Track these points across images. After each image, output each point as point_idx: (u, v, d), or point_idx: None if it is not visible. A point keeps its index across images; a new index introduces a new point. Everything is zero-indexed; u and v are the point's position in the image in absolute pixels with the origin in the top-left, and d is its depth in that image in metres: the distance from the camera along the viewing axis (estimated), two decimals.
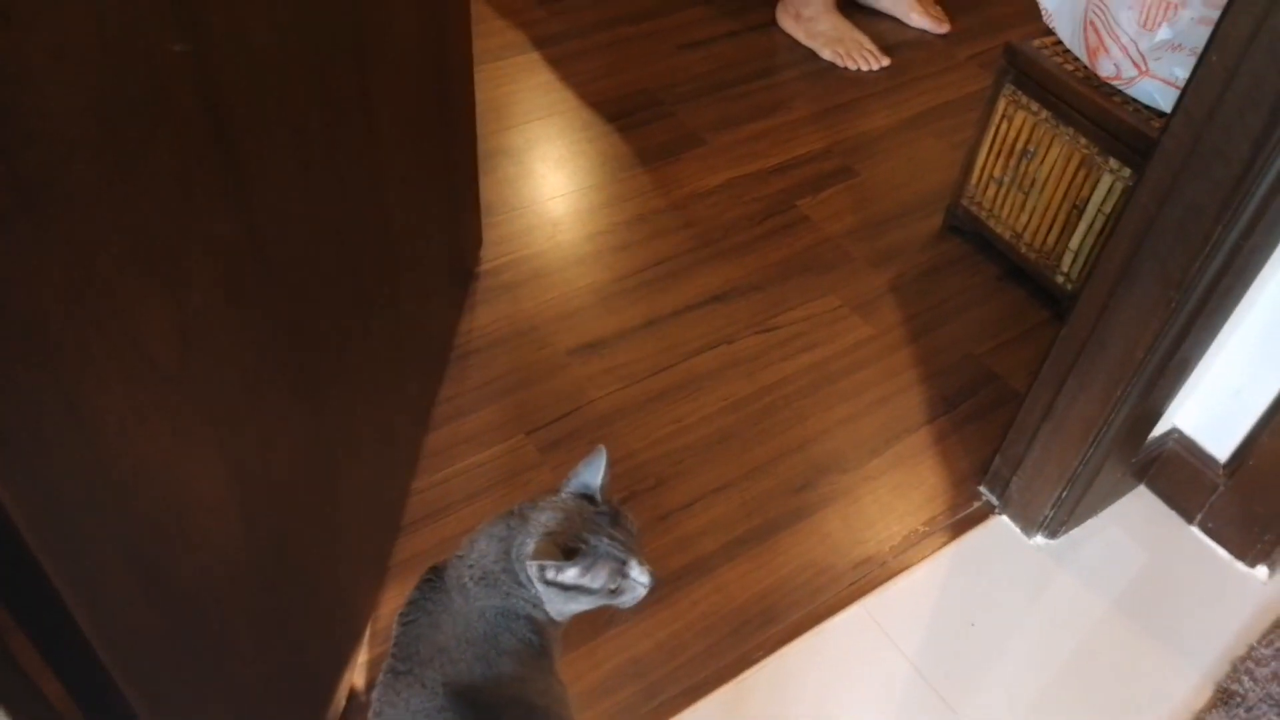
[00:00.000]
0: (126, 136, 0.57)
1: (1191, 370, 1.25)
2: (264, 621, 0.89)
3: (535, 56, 2.13)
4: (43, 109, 0.49)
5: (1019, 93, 1.64)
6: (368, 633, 1.23)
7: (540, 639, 0.91)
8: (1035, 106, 1.62)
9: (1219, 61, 0.99)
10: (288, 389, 0.89)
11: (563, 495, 0.93)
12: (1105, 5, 1.50)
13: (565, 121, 1.99)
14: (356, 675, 1.19)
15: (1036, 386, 1.32)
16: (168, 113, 0.61)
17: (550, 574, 0.86)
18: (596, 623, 1.27)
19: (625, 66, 2.13)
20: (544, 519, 0.89)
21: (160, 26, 0.59)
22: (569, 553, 0.86)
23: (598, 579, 0.87)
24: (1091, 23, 1.54)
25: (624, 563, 0.88)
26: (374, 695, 0.90)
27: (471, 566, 0.91)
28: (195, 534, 0.72)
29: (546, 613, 0.91)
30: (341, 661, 1.15)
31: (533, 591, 0.89)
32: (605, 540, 0.88)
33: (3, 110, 0.46)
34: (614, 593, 0.88)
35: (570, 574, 0.86)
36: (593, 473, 0.93)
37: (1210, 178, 1.02)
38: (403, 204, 1.24)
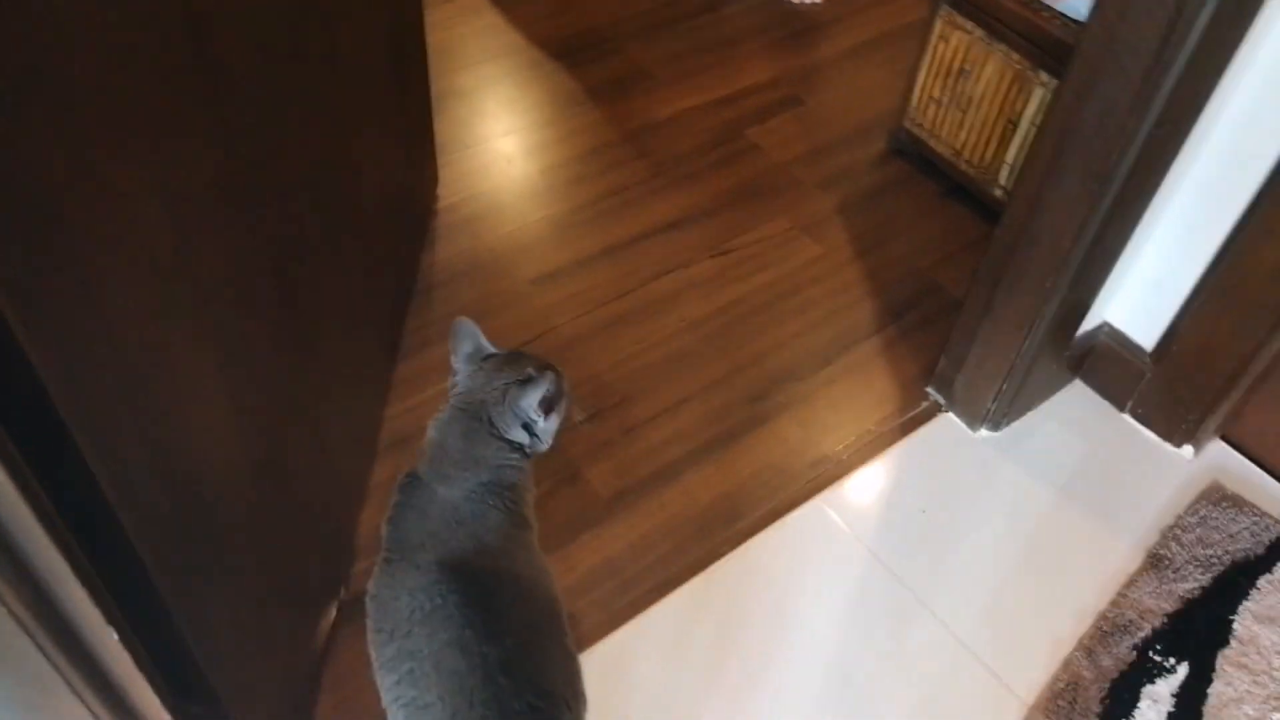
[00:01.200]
0: (117, 39, 0.62)
1: (1115, 261, 1.34)
2: (259, 519, 0.95)
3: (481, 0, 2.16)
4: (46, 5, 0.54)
5: (954, 14, 1.70)
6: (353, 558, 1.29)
7: (523, 507, 0.97)
8: (970, 26, 1.69)
9: None
10: (272, 300, 0.94)
11: (470, 369, 1.00)
12: None
13: (514, 61, 2.03)
14: (341, 592, 1.26)
15: (975, 286, 1.40)
16: (154, 23, 0.66)
17: (550, 388, 0.96)
18: (574, 526, 1.34)
19: (572, 6, 2.16)
20: (493, 382, 0.97)
21: None
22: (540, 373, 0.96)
23: (563, 383, 0.99)
24: None
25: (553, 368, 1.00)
26: (369, 584, 0.96)
27: (448, 457, 0.97)
28: (196, 421, 0.78)
29: (526, 472, 0.98)
30: (334, 575, 1.21)
31: (520, 443, 0.96)
32: (533, 364, 0.99)
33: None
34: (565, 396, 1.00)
35: (554, 384, 0.97)
36: (473, 339, 1.02)
37: (1124, 73, 1.09)
38: (363, 141, 1.28)
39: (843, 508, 1.40)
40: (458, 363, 1.03)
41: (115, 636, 0.58)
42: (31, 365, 0.54)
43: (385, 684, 0.91)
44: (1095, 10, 1.11)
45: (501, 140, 1.87)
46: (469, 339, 1.03)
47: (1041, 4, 1.59)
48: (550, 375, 0.97)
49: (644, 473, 1.42)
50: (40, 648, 0.56)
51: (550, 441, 1.00)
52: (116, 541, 0.64)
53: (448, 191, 1.76)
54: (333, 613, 1.21)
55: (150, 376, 0.69)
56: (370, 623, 0.94)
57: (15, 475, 0.52)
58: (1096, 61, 1.11)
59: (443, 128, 1.84)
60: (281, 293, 0.97)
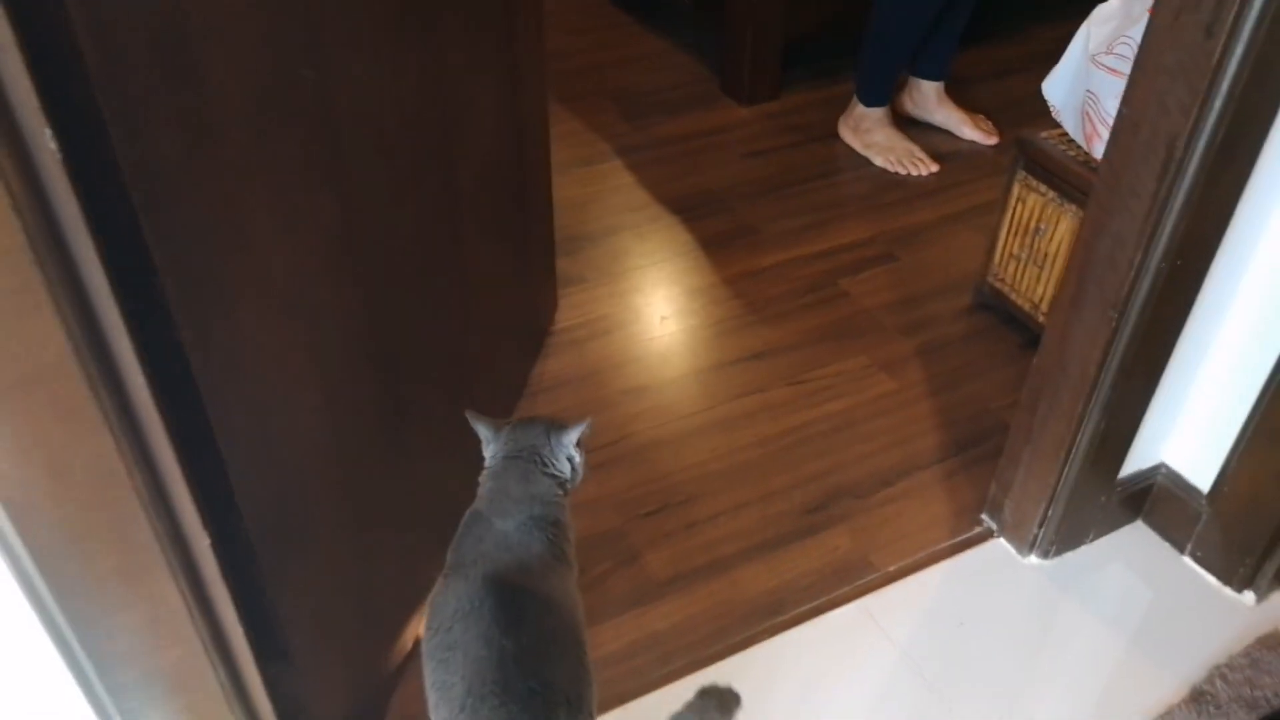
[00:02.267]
0: (264, 125, 0.87)
1: (1151, 393, 1.40)
2: (348, 527, 1.15)
3: (618, 164, 2.47)
4: (216, 80, 0.79)
5: (1030, 177, 1.86)
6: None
7: (564, 544, 1.13)
8: (1044, 188, 1.83)
9: (1128, 115, 1.20)
10: (371, 376, 1.17)
11: (500, 436, 1.19)
12: (1096, 96, 1.72)
13: (638, 215, 2.30)
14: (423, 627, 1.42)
15: (1018, 413, 1.48)
16: (297, 115, 0.92)
17: (585, 433, 1.15)
18: (626, 602, 1.47)
19: (694, 171, 2.44)
20: (533, 432, 1.17)
21: (298, 56, 0.90)
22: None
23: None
24: (1087, 113, 1.76)
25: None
26: (430, 593, 1.13)
27: (508, 496, 1.15)
28: (300, 431, 0.99)
29: (566, 511, 1.14)
30: (408, 607, 1.38)
31: (565, 478, 1.13)
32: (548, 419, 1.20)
33: (191, 74, 0.76)
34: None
35: (588, 427, 1.16)
36: (486, 424, 1.20)
37: (1129, 211, 1.22)
38: (480, 267, 1.55)
39: (882, 613, 1.46)
40: (487, 446, 1.22)
41: (205, 541, 0.78)
42: (192, 374, 0.77)
43: (427, 671, 1.06)
44: (1105, 156, 1.25)
45: (616, 278, 2.11)
46: (484, 424, 1.21)
47: None
48: (584, 420, 1.16)
49: (698, 563, 1.54)
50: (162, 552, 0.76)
51: (583, 475, 1.18)
52: (231, 518, 0.85)
53: (564, 317, 2.00)
54: (412, 631, 1.38)
55: (268, 390, 0.91)
56: (425, 621, 1.11)
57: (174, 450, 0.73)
58: (1107, 201, 1.24)
59: (571, 265, 2.10)
60: (382, 375, 1.21)
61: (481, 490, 1.20)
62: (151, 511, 0.73)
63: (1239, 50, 1.08)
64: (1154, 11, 1.14)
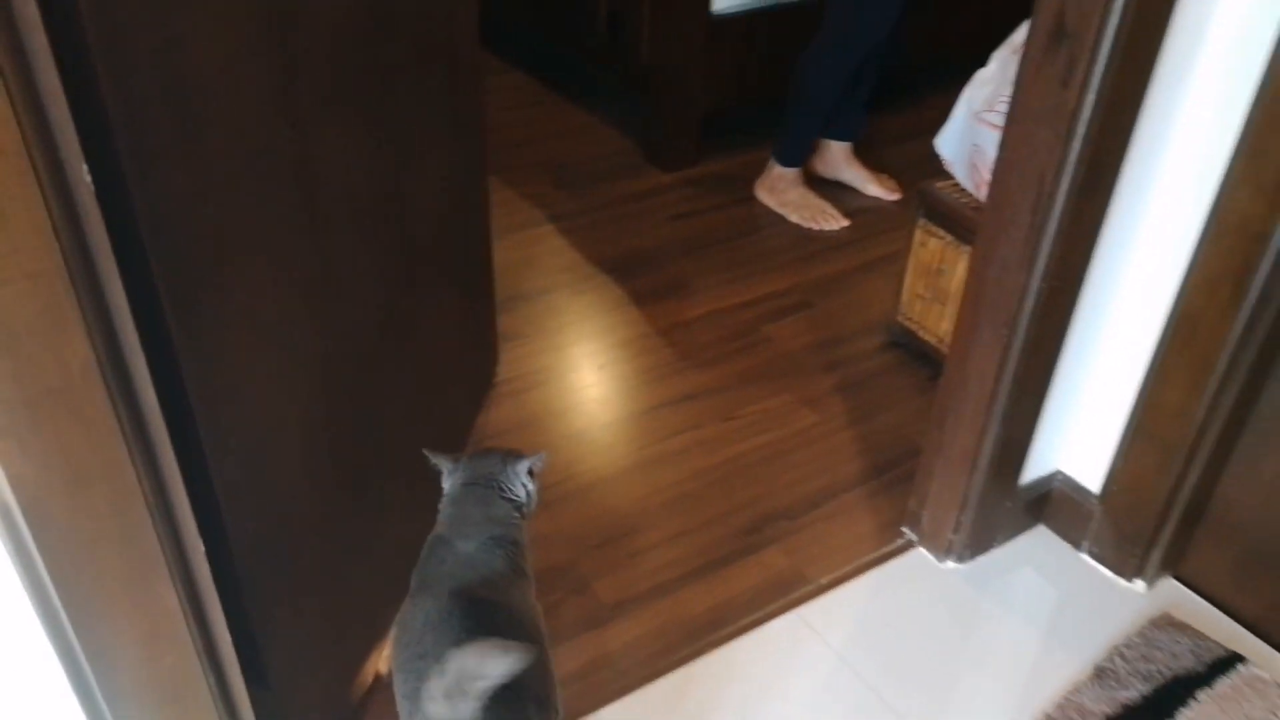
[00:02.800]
0: (257, 173, 0.98)
1: (1042, 402, 1.56)
2: (325, 558, 1.23)
3: (552, 229, 2.61)
4: (216, 139, 0.90)
5: (930, 224, 2.04)
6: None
7: (522, 561, 1.23)
8: (942, 233, 2.01)
9: (1006, 156, 1.38)
10: (346, 401, 1.27)
11: (458, 467, 1.29)
12: (981, 149, 1.92)
13: (573, 275, 2.43)
14: (381, 663, 1.49)
15: (929, 429, 1.63)
16: (282, 173, 1.03)
17: (538, 465, 1.26)
18: (578, 627, 1.55)
19: (624, 234, 2.59)
20: (490, 460, 1.27)
21: (283, 122, 1.02)
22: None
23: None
24: (974, 164, 1.95)
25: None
26: (398, 614, 1.21)
27: (468, 519, 1.24)
28: (283, 450, 1.08)
29: (523, 533, 1.23)
30: (370, 644, 1.45)
31: (521, 502, 1.23)
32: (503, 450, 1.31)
33: (195, 131, 0.87)
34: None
35: (542, 460, 1.27)
36: (443, 459, 1.31)
37: (1010, 239, 1.38)
38: (430, 323, 1.66)
39: (816, 619, 1.58)
40: (447, 477, 1.32)
41: (201, 550, 0.86)
42: (188, 399, 0.86)
43: (399, 684, 1.14)
44: (989, 193, 1.42)
45: (554, 332, 2.23)
46: (442, 458, 1.32)
47: None
48: (539, 452, 1.26)
49: (644, 588, 1.63)
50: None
51: (537, 502, 1.27)
52: (218, 538, 0.93)
53: (506, 370, 2.11)
54: (373, 666, 1.44)
55: (254, 421, 1.01)
56: (393, 639, 1.18)
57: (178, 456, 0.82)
58: (992, 232, 1.41)
59: (510, 322, 2.21)
60: (350, 420, 1.31)
61: (442, 516, 1.29)
62: (157, 520, 0.81)
63: (1090, 97, 1.26)
64: (1021, 65, 1.32)
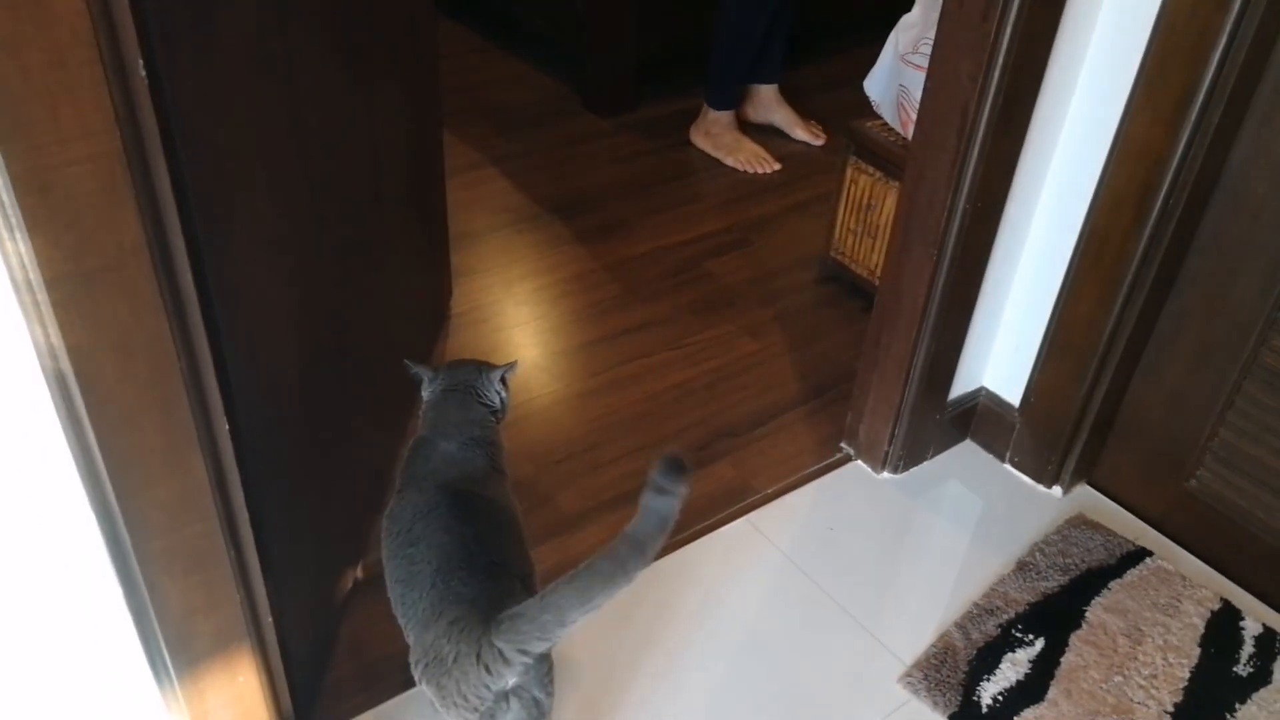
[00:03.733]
0: (260, 92, 1.04)
1: (970, 316, 1.70)
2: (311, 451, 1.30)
3: (495, 171, 2.67)
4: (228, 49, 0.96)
5: (860, 161, 2.16)
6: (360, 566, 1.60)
7: (500, 459, 1.33)
8: (872, 170, 2.14)
9: (932, 86, 1.50)
10: (328, 300, 1.33)
11: (437, 375, 1.39)
12: (908, 89, 2.05)
13: (519, 215, 2.50)
14: (359, 570, 1.56)
15: (866, 346, 1.76)
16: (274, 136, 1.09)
17: (510, 373, 1.37)
18: (544, 535, 1.65)
19: (566, 176, 2.66)
20: (466, 370, 1.38)
21: (272, 31, 1.08)
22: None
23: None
24: (901, 103, 2.08)
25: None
26: (386, 511, 1.29)
27: (449, 421, 1.33)
28: (273, 329, 1.15)
29: (499, 435, 1.33)
30: (349, 550, 1.52)
31: (495, 407, 1.33)
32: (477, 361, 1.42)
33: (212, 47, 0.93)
34: None
35: (514, 369, 1.39)
36: (422, 369, 1.41)
37: (938, 164, 1.51)
38: (395, 257, 1.73)
39: (764, 524, 1.70)
40: (426, 385, 1.40)
41: (227, 427, 0.94)
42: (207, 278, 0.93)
43: (390, 570, 1.23)
44: (917, 121, 1.54)
45: (504, 268, 2.31)
46: (421, 367, 1.41)
47: None
48: (512, 361, 1.37)
49: (604, 498, 1.74)
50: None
51: (509, 407, 1.38)
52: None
53: (459, 303, 2.18)
54: (351, 573, 1.52)
55: (256, 311, 1.08)
56: (384, 531, 1.27)
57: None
58: (921, 157, 1.54)
59: (460, 258, 2.28)
60: (328, 317, 1.38)
61: (424, 420, 1.37)
62: (190, 393, 0.88)
63: (1008, 30, 1.38)
64: (944, 2, 1.44)
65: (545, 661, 1.17)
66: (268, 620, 1.10)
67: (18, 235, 0.74)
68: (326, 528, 1.44)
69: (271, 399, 1.19)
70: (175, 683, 1.05)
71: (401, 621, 1.24)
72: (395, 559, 1.23)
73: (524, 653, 1.09)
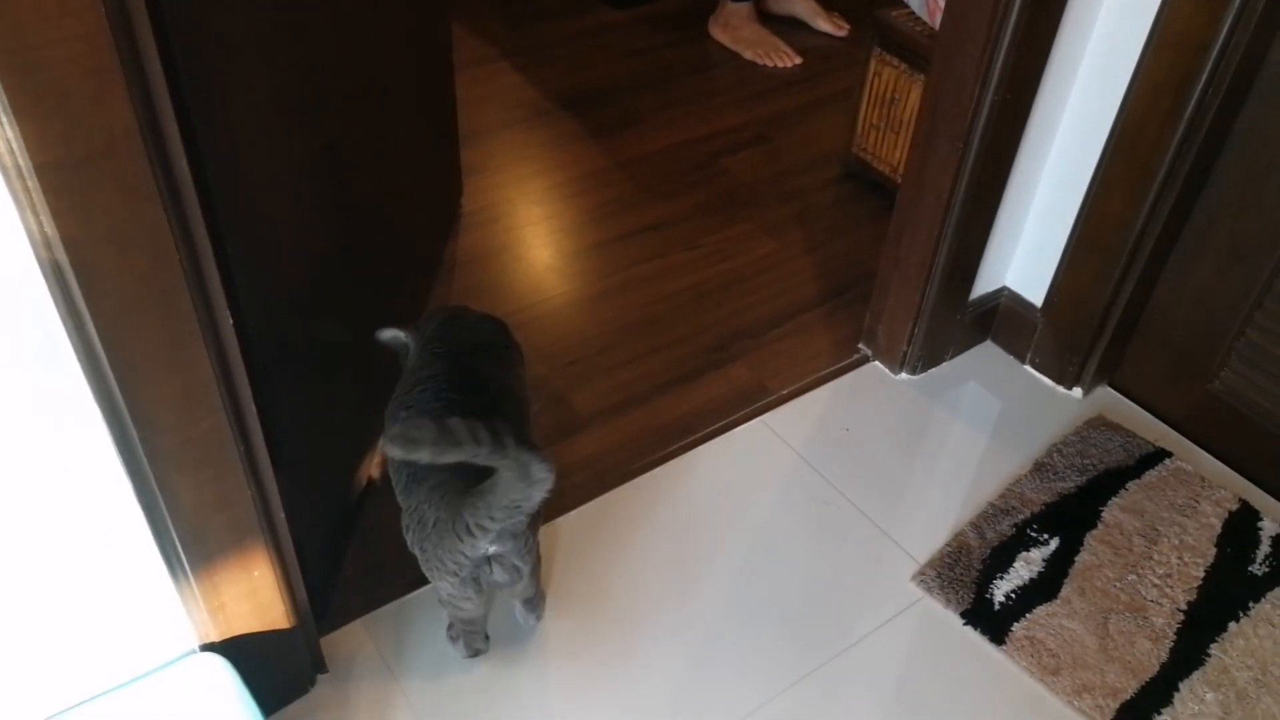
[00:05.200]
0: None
1: (994, 214, 1.65)
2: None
3: (505, 65, 2.59)
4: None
5: (884, 53, 2.08)
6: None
7: (519, 353, 1.37)
8: (897, 62, 2.06)
9: None
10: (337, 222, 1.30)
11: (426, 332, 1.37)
12: None
13: (530, 110, 2.43)
14: (373, 469, 1.57)
15: (886, 245, 1.72)
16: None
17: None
18: (557, 434, 1.65)
19: (580, 70, 2.58)
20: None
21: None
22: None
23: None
24: None
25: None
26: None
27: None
28: (286, 246, 1.13)
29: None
30: (361, 447, 1.53)
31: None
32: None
33: None
34: None
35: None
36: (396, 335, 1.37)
37: (967, 53, 1.44)
38: (407, 157, 1.68)
39: (779, 425, 1.69)
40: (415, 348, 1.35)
41: (230, 321, 0.92)
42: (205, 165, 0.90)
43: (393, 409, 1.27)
44: (947, 6, 1.47)
45: (516, 165, 2.26)
46: (393, 336, 1.36)
47: None
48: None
49: (616, 399, 1.73)
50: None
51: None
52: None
53: (471, 202, 2.14)
54: (363, 481, 1.53)
55: (261, 203, 1.04)
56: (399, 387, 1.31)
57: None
58: (949, 45, 1.47)
59: (472, 155, 2.22)
60: (338, 211, 1.34)
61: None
62: (191, 285, 0.86)
63: None
64: None
65: (523, 535, 1.18)
66: (280, 516, 1.10)
67: (4, 120, 0.71)
68: (338, 425, 1.43)
69: (277, 292, 1.17)
70: (191, 578, 1.05)
71: (395, 488, 1.26)
72: (391, 421, 1.25)
73: (490, 528, 1.11)
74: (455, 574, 1.17)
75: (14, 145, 0.72)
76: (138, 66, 0.75)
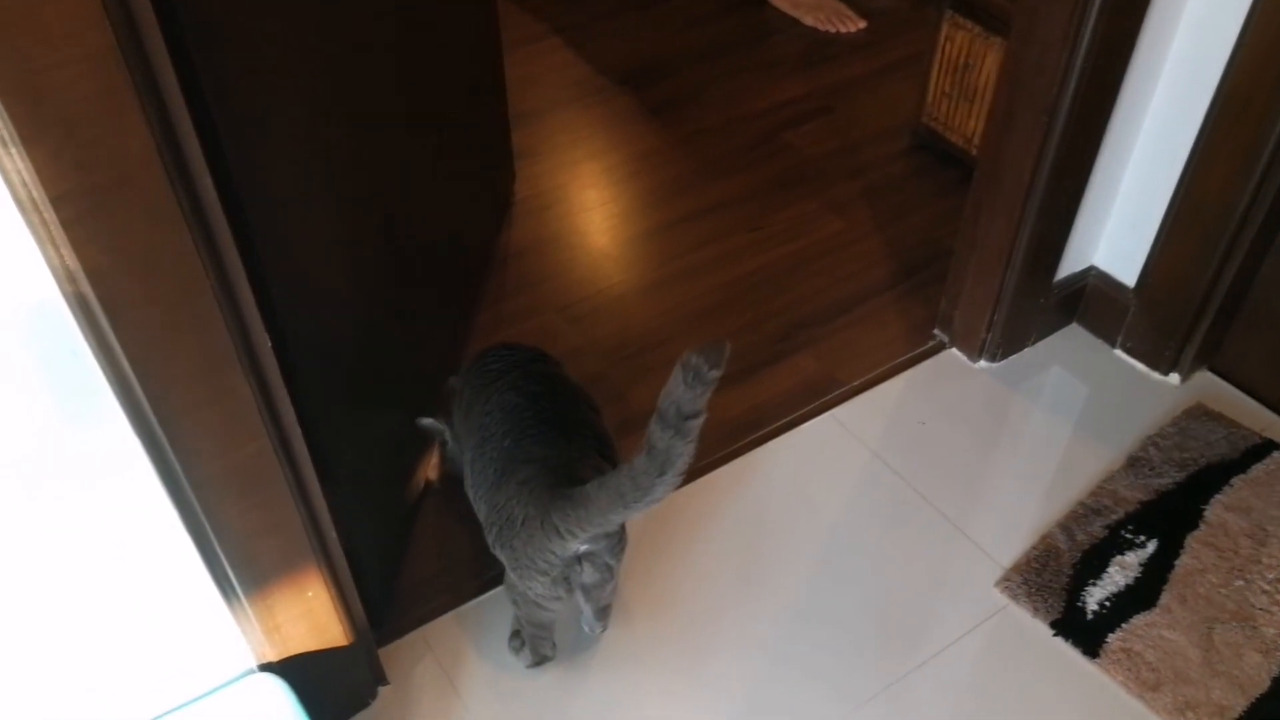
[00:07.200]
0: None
1: (1082, 193, 1.53)
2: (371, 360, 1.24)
3: (557, 42, 2.51)
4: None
5: (957, 15, 1.96)
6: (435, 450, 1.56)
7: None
8: (970, 24, 1.93)
9: None
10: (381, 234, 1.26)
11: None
12: None
13: (583, 88, 2.35)
14: (430, 472, 1.52)
15: (962, 226, 1.61)
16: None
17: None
18: (617, 432, 1.58)
19: (633, 44, 2.49)
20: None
21: None
22: None
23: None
24: None
25: None
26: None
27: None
28: (325, 278, 1.08)
29: None
30: (417, 452, 1.48)
31: None
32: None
33: None
34: None
35: None
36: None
37: (1052, 17, 1.33)
38: (454, 143, 1.62)
39: (850, 420, 1.61)
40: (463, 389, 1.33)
41: (268, 343, 0.87)
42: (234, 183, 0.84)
43: (464, 445, 1.25)
44: None
45: (569, 147, 2.18)
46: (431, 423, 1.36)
47: None
48: None
49: None
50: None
51: None
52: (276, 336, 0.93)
53: (523, 188, 2.07)
54: (422, 474, 1.48)
55: (294, 205, 0.99)
56: (454, 408, 1.31)
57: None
58: (1032, 8, 1.35)
59: (523, 139, 2.16)
60: (384, 208, 1.29)
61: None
62: (225, 309, 0.81)
63: None
64: None
65: (616, 531, 1.15)
66: (332, 536, 1.06)
67: (12, 150, 0.66)
68: (390, 432, 1.39)
69: (321, 305, 1.11)
70: (245, 602, 1.02)
71: (472, 493, 1.22)
72: (469, 427, 1.23)
73: (578, 533, 1.07)
74: (545, 573, 1.13)
75: (25, 176, 0.67)
76: (152, 86, 0.69)
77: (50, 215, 0.69)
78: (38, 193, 0.68)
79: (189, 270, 0.77)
